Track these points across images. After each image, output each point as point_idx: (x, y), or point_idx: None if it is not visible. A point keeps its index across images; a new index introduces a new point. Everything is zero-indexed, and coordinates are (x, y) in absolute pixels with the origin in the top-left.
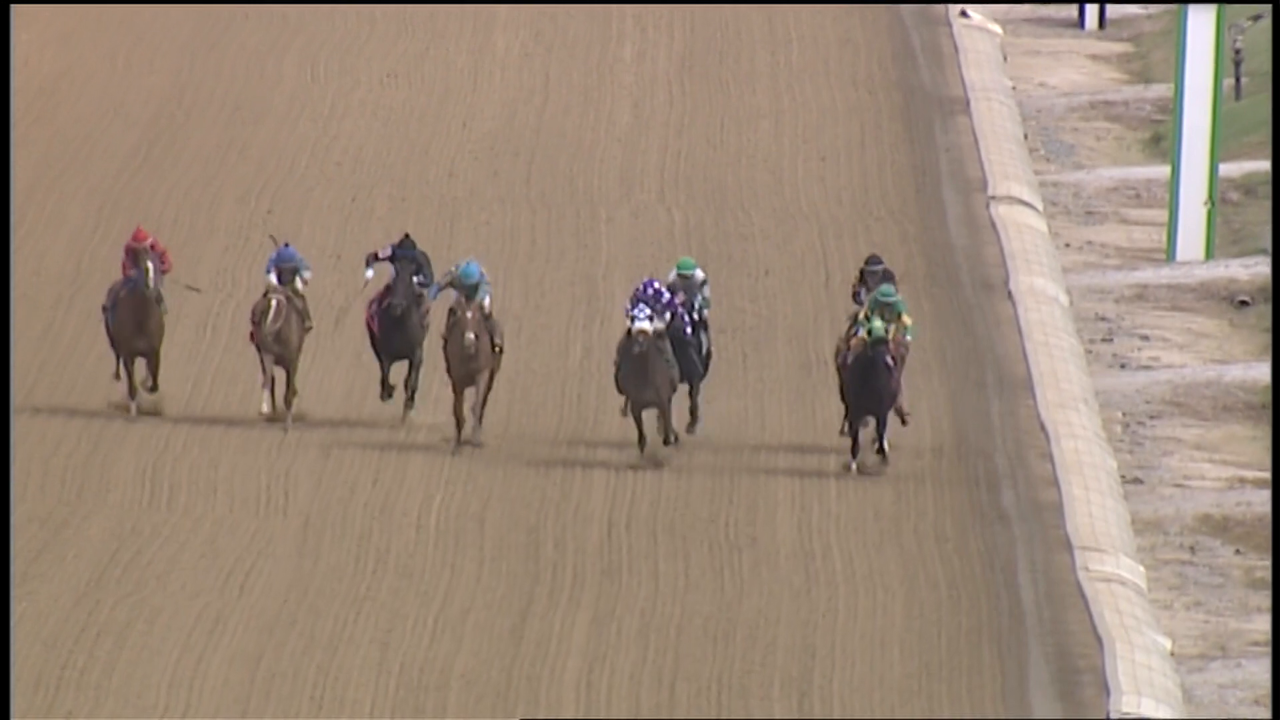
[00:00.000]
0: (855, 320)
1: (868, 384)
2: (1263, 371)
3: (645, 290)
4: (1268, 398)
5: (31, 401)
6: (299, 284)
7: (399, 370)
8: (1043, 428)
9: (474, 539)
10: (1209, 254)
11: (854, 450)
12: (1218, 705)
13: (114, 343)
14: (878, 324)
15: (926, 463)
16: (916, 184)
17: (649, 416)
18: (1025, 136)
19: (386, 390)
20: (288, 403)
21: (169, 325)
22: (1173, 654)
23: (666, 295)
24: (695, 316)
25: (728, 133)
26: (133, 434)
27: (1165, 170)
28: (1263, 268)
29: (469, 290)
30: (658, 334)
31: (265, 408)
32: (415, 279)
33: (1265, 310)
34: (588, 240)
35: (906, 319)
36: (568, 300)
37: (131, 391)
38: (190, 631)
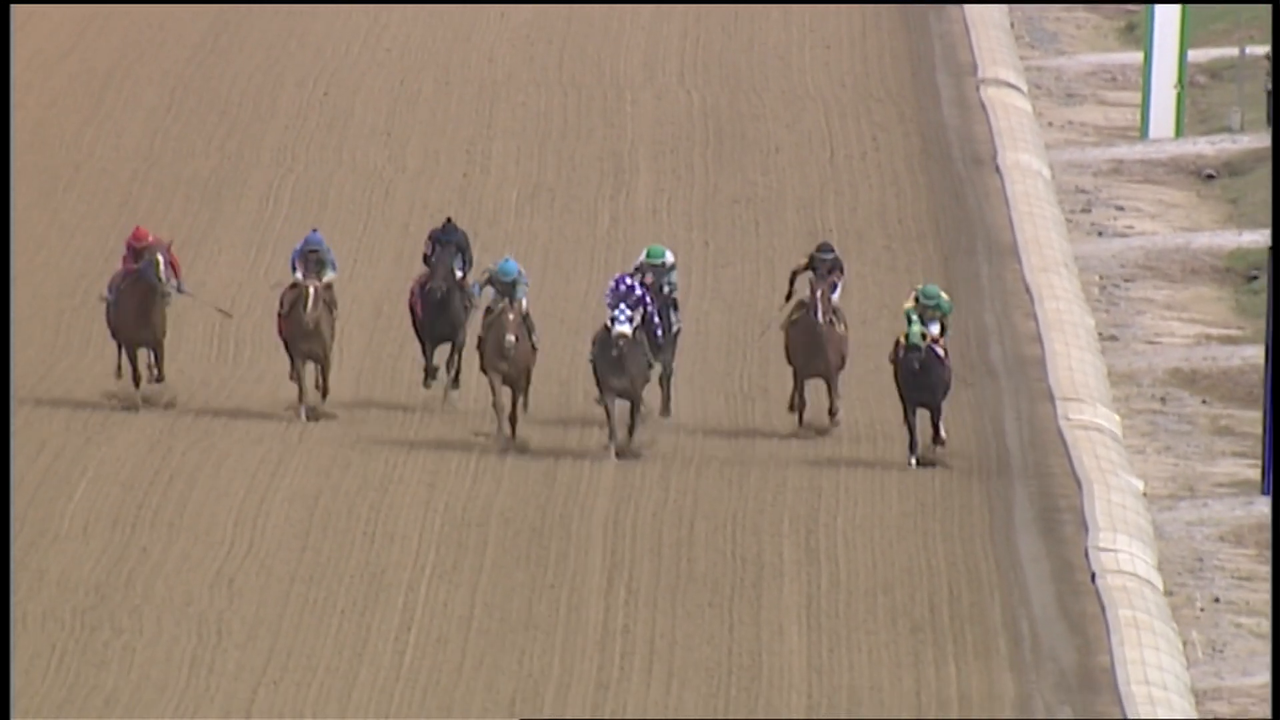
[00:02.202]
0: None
1: (918, 378)
2: (1227, 239)
3: (618, 287)
4: (1232, 262)
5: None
6: (327, 275)
7: (441, 354)
8: (1027, 289)
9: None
10: (1179, 132)
11: (911, 445)
12: (1185, 540)
13: (115, 333)
14: (915, 329)
15: None
16: (912, 69)
17: (622, 412)
18: (1011, 25)
19: (431, 374)
20: (323, 394)
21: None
22: (1145, 494)
23: (639, 290)
24: (665, 297)
25: (741, 22)
26: (205, 292)
27: (1139, 56)
28: (1228, 145)
29: (508, 288)
30: (635, 330)
31: (300, 405)
32: (458, 261)
33: (1230, 183)
34: (614, 120)
35: (947, 319)
36: (596, 174)
37: (136, 380)
38: (254, 474)
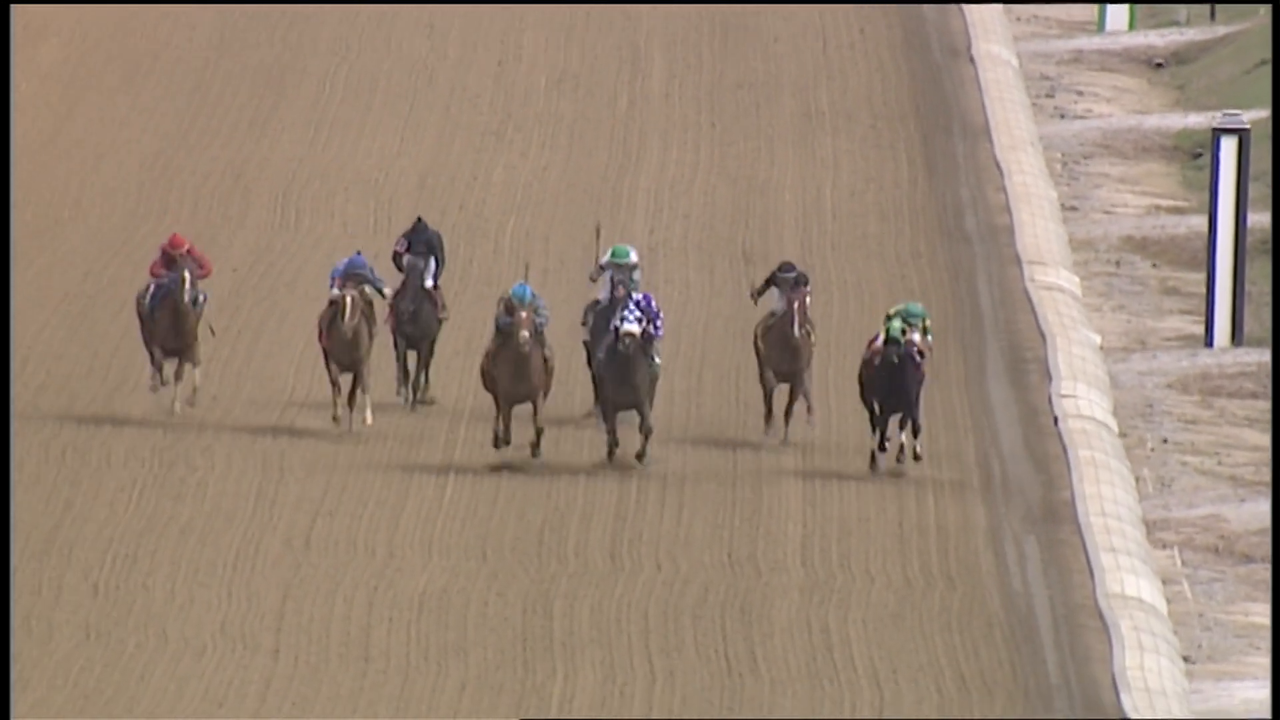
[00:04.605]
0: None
1: (893, 374)
2: (1175, 121)
3: (635, 298)
4: (1179, 141)
5: (184, 154)
6: (369, 291)
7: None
8: (997, 165)
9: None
10: (1132, 26)
11: (881, 448)
12: (1137, 388)
13: (148, 344)
14: (895, 324)
15: (904, 192)
16: None
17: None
18: None
19: (405, 382)
20: (350, 404)
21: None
22: (1102, 348)
23: (653, 306)
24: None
25: None
26: (269, 169)
27: None
28: (1176, 37)
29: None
30: (644, 337)
31: (338, 415)
32: (430, 263)
33: (1177, 71)
34: (631, 14)
35: (928, 322)
36: (615, 62)
37: (155, 384)
38: (313, 327)
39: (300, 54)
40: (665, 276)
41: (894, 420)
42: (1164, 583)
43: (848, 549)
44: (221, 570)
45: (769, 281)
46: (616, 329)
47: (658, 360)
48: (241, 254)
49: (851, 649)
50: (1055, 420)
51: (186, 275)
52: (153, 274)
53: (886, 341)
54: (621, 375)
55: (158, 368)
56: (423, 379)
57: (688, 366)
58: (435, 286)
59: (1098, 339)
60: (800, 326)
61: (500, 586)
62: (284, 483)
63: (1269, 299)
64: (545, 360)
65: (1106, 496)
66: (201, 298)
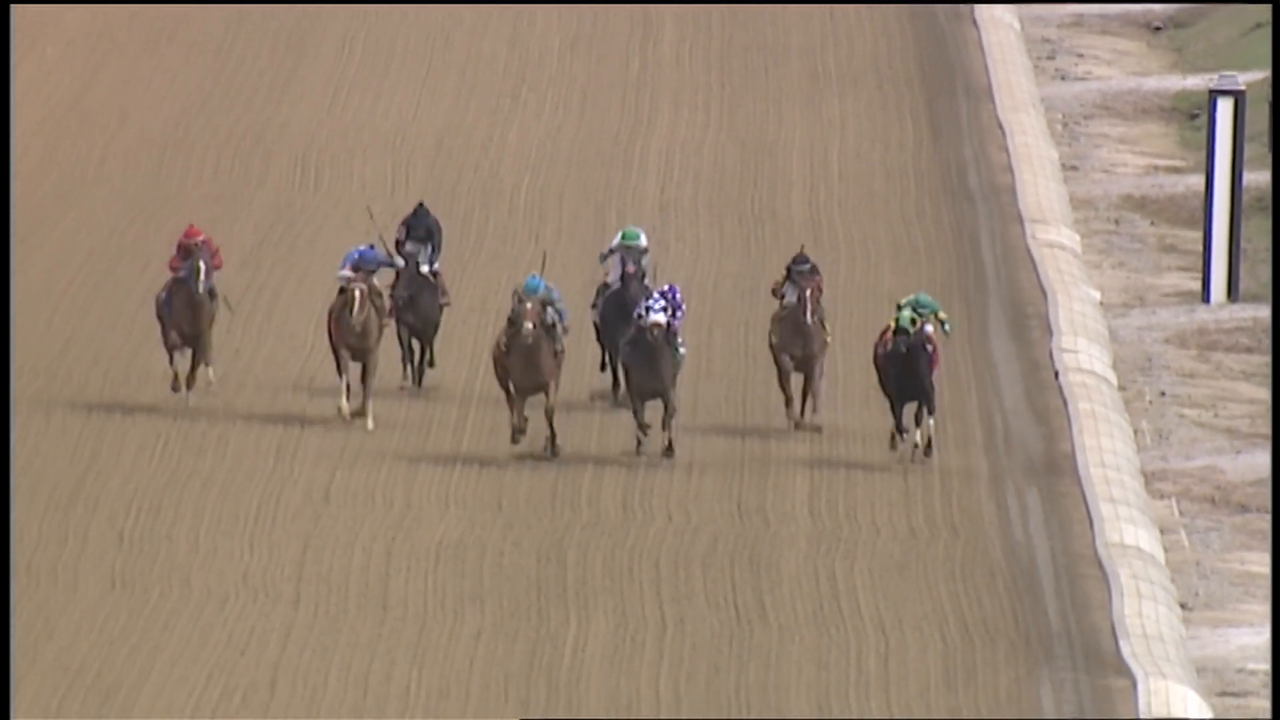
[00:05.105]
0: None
1: (905, 363)
2: (1173, 83)
3: (660, 289)
4: (1177, 103)
5: (209, 113)
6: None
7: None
8: (1000, 126)
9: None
10: None
11: (900, 435)
12: (1136, 343)
13: (164, 336)
14: (905, 314)
15: (909, 153)
16: None
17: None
18: None
19: (408, 365)
20: (363, 403)
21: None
22: (1101, 303)
23: (678, 296)
24: (643, 285)
25: None
26: (290, 129)
27: None
28: (1174, 1)
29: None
30: (669, 328)
31: (343, 405)
32: (428, 250)
33: (1175, 34)
34: None
35: (942, 314)
36: (627, 26)
37: (177, 384)
38: (331, 285)
39: (319, 18)
40: (676, 235)
41: (909, 409)
42: (1162, 532)
43: (854, 500)
44: (243, 522)
45: (786, 275)
46: (640, 318)
47: (683, 350)
48: (262, 213)
49: (858, 597)
50: (1056, 374)
51: (201, 265)
52: (171, 268)
53: (896, 331)
54: (648, 365)
55: (175, 362)
56: (426, 364)
57: (697, 322)
58: (434, 273)
59: (1097, 295)
60: (813, 313)
61: (515, 536)
62: (304, 437)
63: (1265, 256)
64: (556, 353)
65: (1106, 448)
66: (217, 294)
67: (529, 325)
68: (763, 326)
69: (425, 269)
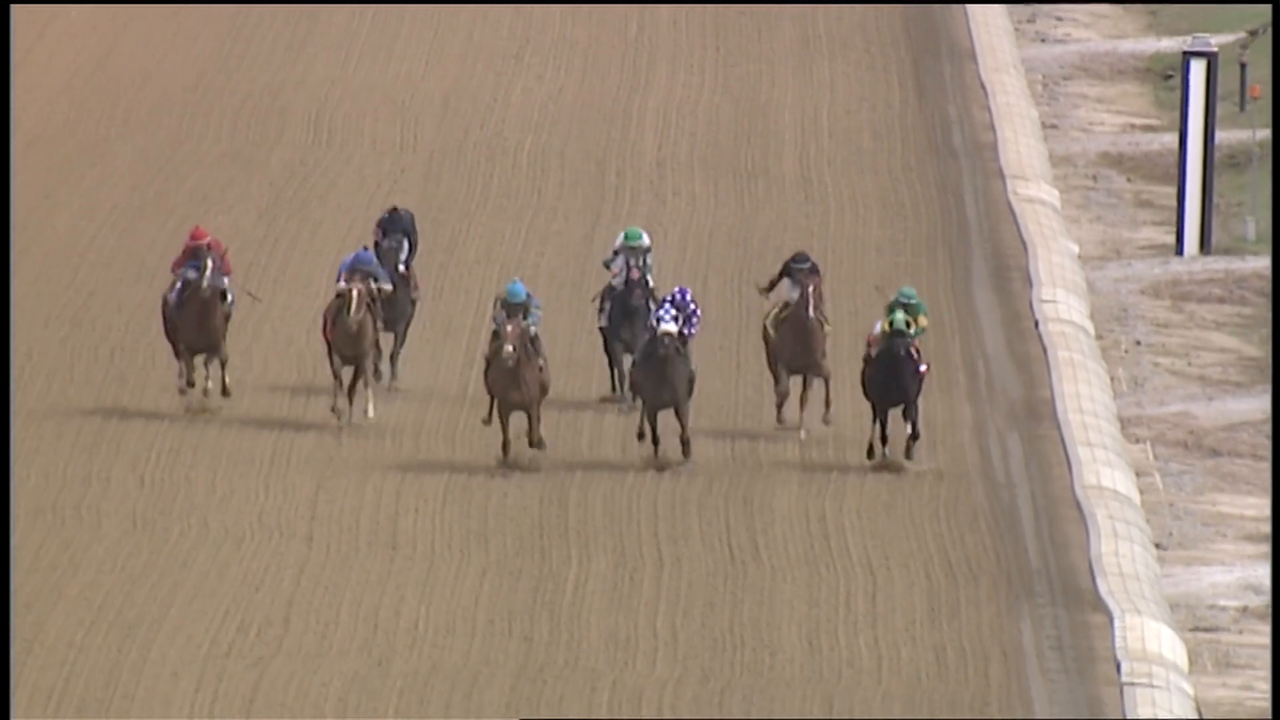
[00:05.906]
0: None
1: (893, 374)
2: (1148, 45)
3: (671, 294)
4: (1152, 64)
5: (229, 72)
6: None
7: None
8: (983, 86)
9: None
10: None
11: (883, 440)
12: (1113, 294)
13: (173, 340)
14: (899, 315)
15: (895, 112)
16: None
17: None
18: None
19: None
20: (350, 398)
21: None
22: (1079, 256)
23: (692, 304)
24: (648, 289)
25: None
26: (308, 81)
27: None
28: None
29: (516, 310)
30: (681, 336)
31: (339, 407)
32: (404, 247)
33: None
34: None
35: (923, 319)
36: None
37: (187, 386)
38: (344, 238)
39: None
40: (673, 189)
41: (894, 414)
42: (1137, 475)
43: (843, 444)
44: (259, 464)
45: (782, 273)
46: (653, 329)
47: (691, 363)
48: (278, 169)
49: (846, 537)
50: (1036, 324)
51: (209, 264)
52: (174, 269)
53: (891, 333)
54: (660, 376)
55: (185, 366)
56: (399, 357)
57: (693, 273)
58: (408, 269)
59: (1076, 248)
60: (815, 309)
61: (519, 478)
62: (319, 381)
63: (1235, 210)
64: (539, 370)
65: (1084, 395)
66: (229, 297)
67: (509, 349)
68: (753, 274)
69: (402, 267)
